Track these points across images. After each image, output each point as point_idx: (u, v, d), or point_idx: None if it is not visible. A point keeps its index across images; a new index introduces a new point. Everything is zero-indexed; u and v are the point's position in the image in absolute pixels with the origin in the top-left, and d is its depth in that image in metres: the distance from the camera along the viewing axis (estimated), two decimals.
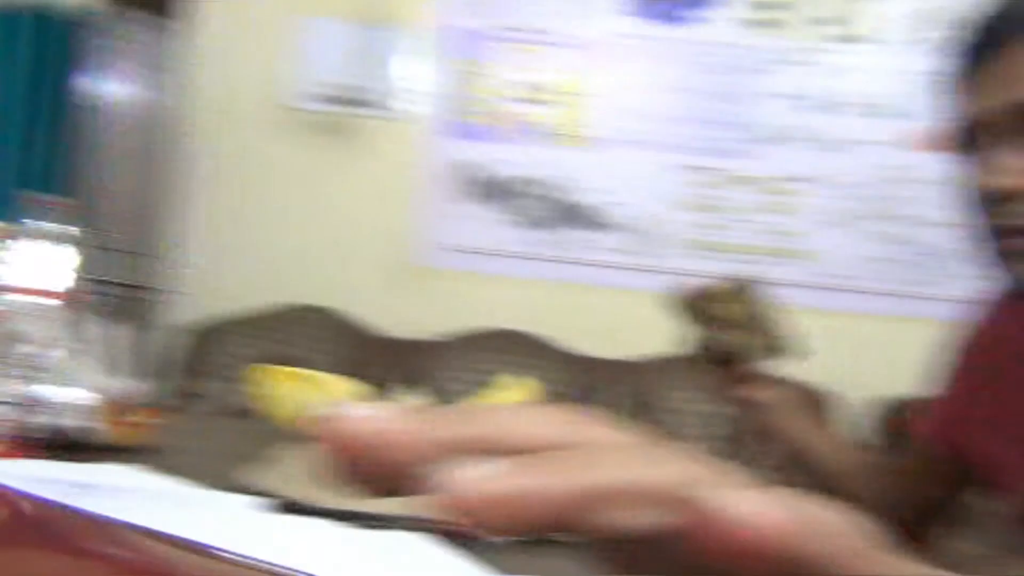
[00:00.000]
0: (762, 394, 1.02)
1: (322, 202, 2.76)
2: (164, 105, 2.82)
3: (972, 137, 0.75)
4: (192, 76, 2.76)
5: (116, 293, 3.00)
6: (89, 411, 0.98)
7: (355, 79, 2.66)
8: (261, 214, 2.77)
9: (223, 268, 2.75)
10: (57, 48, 2.74)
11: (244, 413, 2.36)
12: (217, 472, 0.85)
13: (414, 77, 2.71)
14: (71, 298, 1.10)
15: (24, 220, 1.06)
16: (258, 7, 2.75)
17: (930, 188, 2.50)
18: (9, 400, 0.90)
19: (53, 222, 1.08)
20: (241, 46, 2.76)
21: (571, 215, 2.76)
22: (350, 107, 2.68)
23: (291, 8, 2.74)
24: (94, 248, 1.14)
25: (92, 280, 1.15)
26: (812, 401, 2.42)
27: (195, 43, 2.76)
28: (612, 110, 2.75)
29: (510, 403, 1.09)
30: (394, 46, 2.67)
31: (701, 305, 1.00)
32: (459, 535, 0.70)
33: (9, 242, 1.04)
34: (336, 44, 2.67)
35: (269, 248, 2.76)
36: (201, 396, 2.52)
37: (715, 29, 2.72)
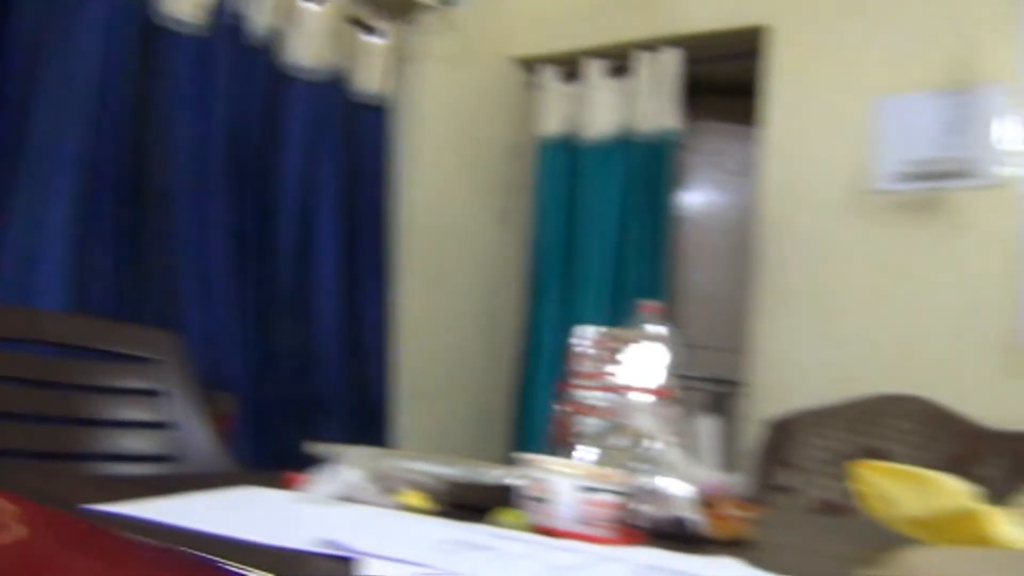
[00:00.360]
0: None
1: (911, 284, 2.59)
2: (743, 206, 2.95)
3: None
4: (768, 174, 2.84)
5: (702, 388, 3.16)
6: (689, 502, 1.02)
7: (941, 150, 2.48)
8: (843, 302, 2.70)
9: (805, 359, 2.72)
10: (648, 168, 3.04)
11: (832, 508, 2.28)
12: (818, 570, 0.82)
13: (1012, 138, 2.44)
14: (667, 394, 1.18)
15: (637, 325, 1.18)
16: (827, 96, 2.75)
17: None
18: (626, 490, 0.98)
19: (654, 325, 1.18)
20: (814, 137, 2.76)
21: None
22: (939, 180, 2.50)
23: (862, 90, 2.68)
24: (683, 346, 1.21)
25: (682, 376, 1.22)
26: None
27: (769, 141, 2.84)
28: None
29: None
30: (984, 108, 2.44)
31: None
32: None
33: (625, 346, 1.16)
34: (914, 117, 2.53)
35: (854, 336, 2.67)
36: (785, 489, 2.49)
37: None
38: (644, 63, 3.03)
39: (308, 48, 2.63)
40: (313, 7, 2.65)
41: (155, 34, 2.26)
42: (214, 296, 2.34)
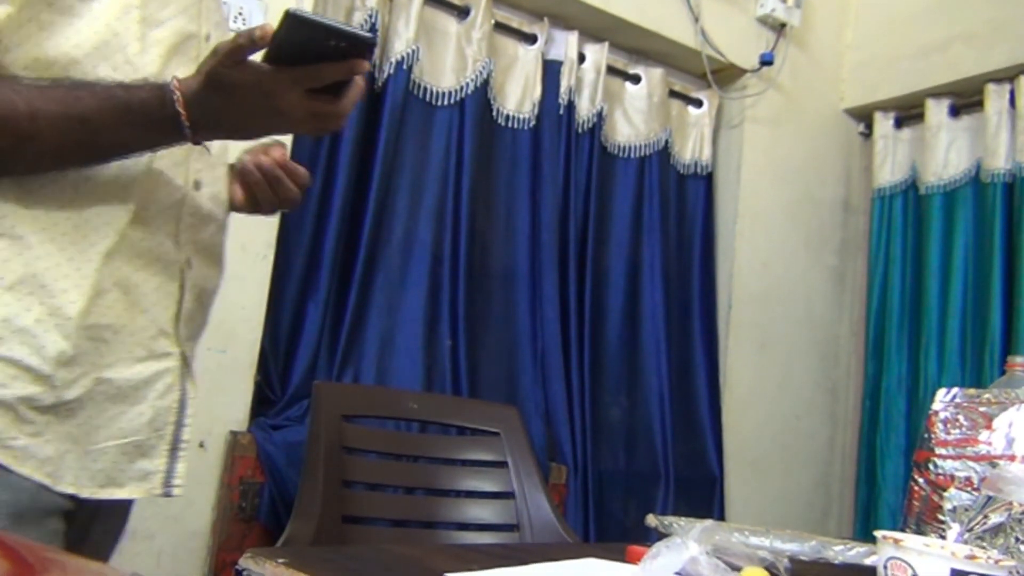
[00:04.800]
0: None
1: None
2: None
3: None
4: None
5: None
6: None
7: None
8: None
9: None
10: (1006, 209, 2.70)
11: None
12: None
13: None
14: None
15: (1010, 386, 1.04)
16: None
17: None
18: (1006, 575, 0.85)
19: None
20: None
21: None
22: None
23: None
24: None
25: None
26: None
27: None
28: None
29: None
30: None
31: None
32: None
33: (999, 409, 1.02)
34: None
35: None
36: None
37: None
38: (996, 96, 2.72)
39: (631, 126, 2.71)
40: (634, 87, 2.73)
41: (494, 130, 2.46)
42: (548, 370, 2.43)
